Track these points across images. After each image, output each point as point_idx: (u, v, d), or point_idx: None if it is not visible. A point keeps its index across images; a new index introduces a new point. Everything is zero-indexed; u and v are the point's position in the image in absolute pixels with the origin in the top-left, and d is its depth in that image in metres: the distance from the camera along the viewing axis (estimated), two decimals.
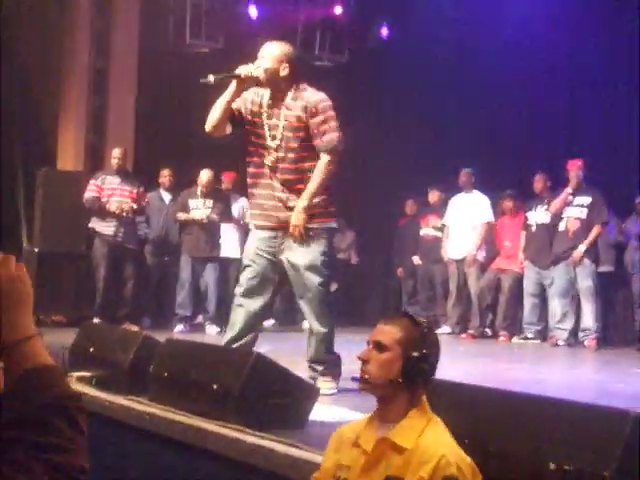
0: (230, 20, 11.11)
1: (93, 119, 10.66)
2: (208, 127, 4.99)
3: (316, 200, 4.94)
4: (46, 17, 10.32)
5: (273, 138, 4.95)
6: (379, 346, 2.53)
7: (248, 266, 5.06)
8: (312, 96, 4.94)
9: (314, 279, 4.94)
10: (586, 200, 8.90)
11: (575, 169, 9.00)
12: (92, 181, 9.29)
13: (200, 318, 9.94)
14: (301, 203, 4.88)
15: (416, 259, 11.05)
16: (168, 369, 4.38)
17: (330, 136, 4.91)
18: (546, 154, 10.93)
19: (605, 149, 10.94)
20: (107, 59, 10.73)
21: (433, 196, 10.83)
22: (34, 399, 1.38)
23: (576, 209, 8.96)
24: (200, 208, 9.60)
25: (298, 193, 4.92)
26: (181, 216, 9.69)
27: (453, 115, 11.87)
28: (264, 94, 5.02)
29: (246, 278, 5.04)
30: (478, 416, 2.90)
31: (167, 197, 10.06)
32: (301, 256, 4.94)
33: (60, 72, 10.54)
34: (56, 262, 9.40)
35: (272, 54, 4.95)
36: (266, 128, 4.98)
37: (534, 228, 9.55)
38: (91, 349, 5.16)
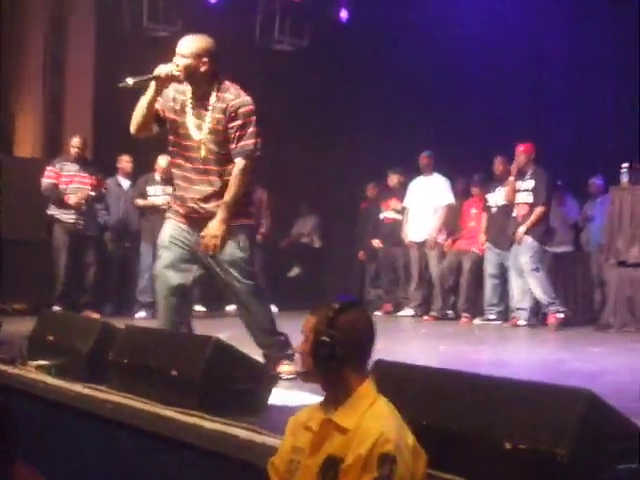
0: (189, 4, 11.01)
1: (51, 104, 10.56)
2: (132, 129, 4.87)
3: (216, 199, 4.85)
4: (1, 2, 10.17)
5: (196, 138, 4.82)
6: (304, 337, 2.60)
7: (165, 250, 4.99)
8: (234, 99, 4.77)
9: (235, 274, 4.87)
10: (531, 184, 8.99)
11: (518, 154, 9.09)
12: (49, 167, 9.20)
13: None
14: (220, 214, 4.76)
15: (377, 242, 11.07)
16: (128, 356, 4.36)
17: (246, 142, 4.76)
18: (507, 136, 10.98)
19: (569, 132, 11.04)
20: (64, 42, 10.61)
21: (393, 179, 10.86)
22: None
23: (523, 194, 9.05)
24: (159, 194, 9.55)
25: (218, 195, 4.81)
26: (140, 202, 9.64)
27: (413, 97, 11.89)
28: (186, 91, 4.86)
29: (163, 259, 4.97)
30: (433, 398, 2.92)
31: (125, 183, 10.02)
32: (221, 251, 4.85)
33: (17, 56, 10.40)
34: (16, 249, 9.30)
35: (190, 50, 4.73)
36: (189, 127, 4.83)
37: (494, 210, 9.64)
38: (50, 337, 5.12)
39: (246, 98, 4.83)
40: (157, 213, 9.41)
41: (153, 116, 4.85)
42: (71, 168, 9.19)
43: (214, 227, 4.76)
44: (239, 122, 4.76)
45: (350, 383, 2.53)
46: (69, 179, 9.16)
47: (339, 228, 12.62)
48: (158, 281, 4.99)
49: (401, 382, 3.01)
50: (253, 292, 4.95)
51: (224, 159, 4.82)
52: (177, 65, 4.71)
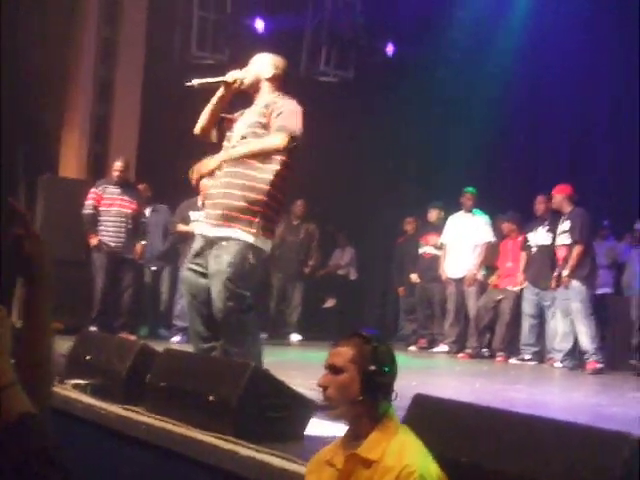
0: (237, 33, 11.13)
1: (97, 127, 10.66)
2: (196, 129, 4.94)
3: (240, 204, 4.64)
4: (52, 23, 10.32)
5: (236, 138, 4.82)
6: (334, 369, 2.57)
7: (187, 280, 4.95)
8: (283, 100, 4.78)
9: (216, 289, 4.57)
10: (567, 225, 8.90)
11: (554, 195, 9.01)
12: (93, 189, 9.30)
13: None
14: (221, 154, 4.76)
15: (414, 277, 11.03)
16: (165, 379, 4.36)
17: (285, 122, 4.61)
18: (548, 176, 10.95)
19: (609, 172, 10.97)
20: (113, 67, 10.74)
21: (433, 214, 10.83)
22: (18, 450, 1.32)
23: (562, 236, 8.97)
24: (201, 219, 9.59)
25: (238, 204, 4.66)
26: (181, 228, 9.69)
27: (456, 132, 11.90)
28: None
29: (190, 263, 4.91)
30: (471, 435, 2.88)
31: (147, 210, 10.06)
32: (212, 262, 4.67)
33: (65, 79, 10.54)
34: (55, 269, 9.34)
35: (260, 61, 4.93)
36: (234, 130, 4.87)
37: (534, 249, 9.56)
38: (88, 357, 5.13)
39: (292, 100, 4.81)
40: None
41: (214, 122, 4.91)
42: (113, 191, 9.27)
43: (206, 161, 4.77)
44: (278, 111, 4.70)
45: (379, 413, 2.53)
46: (110, 202, 9.24)
47: (375, 261, 12.60)
48: (184, 284, 4.97)
49: (440, 417, 2.98)
50: (230, 314, 4.58)
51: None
52: (245, 72, 4.85)
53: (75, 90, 10.60)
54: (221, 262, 4.58)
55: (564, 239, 8.93)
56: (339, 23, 11.68)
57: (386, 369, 2.54)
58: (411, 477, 2.33)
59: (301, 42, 11.54)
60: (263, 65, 4.91)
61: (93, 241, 9.17)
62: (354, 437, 2.56)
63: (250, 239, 4.62)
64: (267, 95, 4.87)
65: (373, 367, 2.52)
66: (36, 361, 1.64)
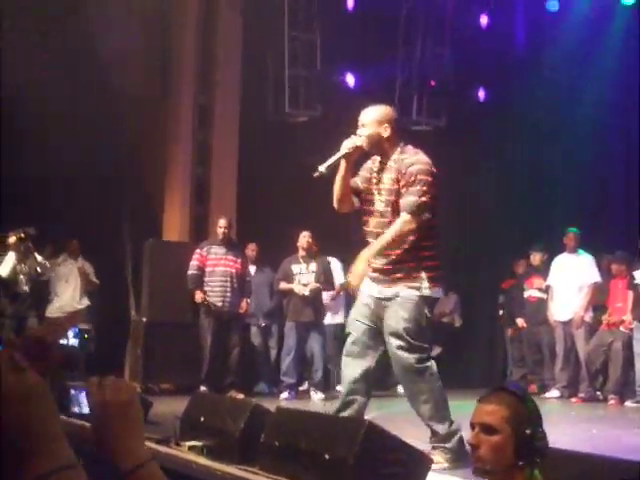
0: (328, 88, 11.27)
1: (197, 190, 10.89)
2: (335, 204, 5.02)
3: (398, 264, 4.84)
4: (150, 93, 10.65)
5: (380, 203, 4.92)
6: (487, 429, 2.40)
7: (349, 333, 5.08)
8: (408, 158, 4.84)
9: (394, 344, 4.79)
10: None
11: None
12: (197, 250, 9.47)
13: (305, 385, 9.97)
14: (363, 253, 4.79)
15: (521, 321, 10.86)
16: (279, 438, 4.37)
17: (411, 197, 4.74)
18: None
19: None
20: (210, 130, 11.00)
21: (536, 258, 10.70)
22: None
23: None
24: (304, 272, 9.67)
25: (398, 263, 4.85)
26: (284, 286, 9.77)
27: (554, 173, 11.76)
28: (376, 159, 5.01)
29: (348, 343, 5.05)
30: None
31: (252, 269, 10.21)
32: (387, 321, 4.86)
33: (164, 144, 10.82)
34: (163, 331, 9.56)
35: (371, 119, 4.91)
36: (375, 193, 4.95)
37: None
38: (202, 418, 5.19)
39: (422, 157, 4.86)
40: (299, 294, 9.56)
41: (350, 191, 5.00)
42: (218, 251, 9.42)
43: (354, 264, 4.81)
44: (408, 179, 4.78)
45: (529, 477, 2.41)
46: (215, 262, 9.38)
47: (480, 307, 12.45)
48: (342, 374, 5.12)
49: (559, 469, 2.90)
50: (413, 367, 4.81)
51: None
52: (360, 136, 4.87)
53: (175, 155, 10.87)
54: (399, 317, 4.80)
55: None
56: (428, 72, 11.72)
57: (541, 430, 2.41)
58: None
59: (392, 93, 11.60)
60: (376, 123, 4.90)
61: (198, 296, 9.28)
62: None
63: (422, 292, 4.82)
64: (392, 154, 4.92)
65: (529, 430, 2.37)
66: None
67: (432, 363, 4.86)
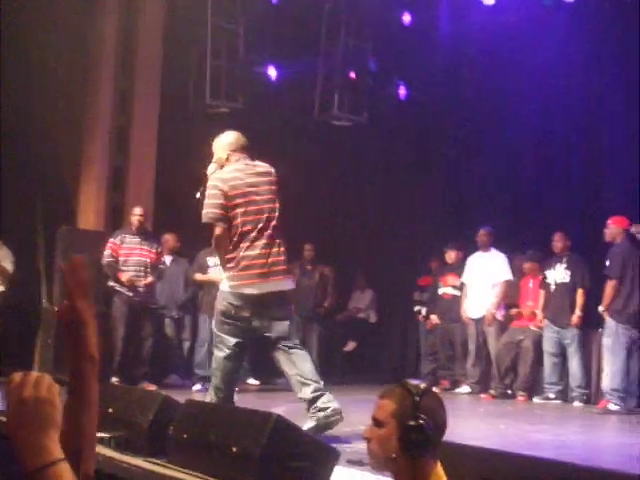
0: (250, 81, 11.22)
1: (114, 178, 10.73)
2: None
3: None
4: (69, 75, 10.44)
5: None
6: (377, 423, 2.49)
7: None
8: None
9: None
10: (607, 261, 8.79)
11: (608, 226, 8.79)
12: (111, 239, 9.33)
13: None
14: None
15: (434, 318, 11.00)
16: (188, 431, 4.35)
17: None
18: (564, 214, 10.91)
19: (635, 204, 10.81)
20: (129, 117, 10.84)
21: (450, 256, 10.82)
22: None
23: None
24: (218, 265, 9.60)
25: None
26: (199, 277, 9.72)
27: (470, 173, 11.93)
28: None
29: None
30: None
31: (168, 259, 10.12)
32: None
33: (82, 130, 10.62)
34: None
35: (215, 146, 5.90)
36: None
37: (553, 287, 9.51)
38: (110, 410, 5.12)
39: (220, 172, 5.81)
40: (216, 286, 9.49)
41: None
42: (132, 240, 9.30)
43: None
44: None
45: (426, 469, 2.43)
46: (129, 251, 9.25)
47: (394, 303, 12.56)
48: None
49: (461, 465, 2.95)
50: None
51: None
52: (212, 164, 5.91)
53: (92, 141, 10.68)
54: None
55: None
56: (350, 67, 11.75)
57: (428, 424, 2.41)
58: None
59: (314, 87, 11.61)
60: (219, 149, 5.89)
61: (125, 276, 9.14)
62: None
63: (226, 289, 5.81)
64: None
65: (412, 422, 2.39)
66: (80, 434, 1.64)
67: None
